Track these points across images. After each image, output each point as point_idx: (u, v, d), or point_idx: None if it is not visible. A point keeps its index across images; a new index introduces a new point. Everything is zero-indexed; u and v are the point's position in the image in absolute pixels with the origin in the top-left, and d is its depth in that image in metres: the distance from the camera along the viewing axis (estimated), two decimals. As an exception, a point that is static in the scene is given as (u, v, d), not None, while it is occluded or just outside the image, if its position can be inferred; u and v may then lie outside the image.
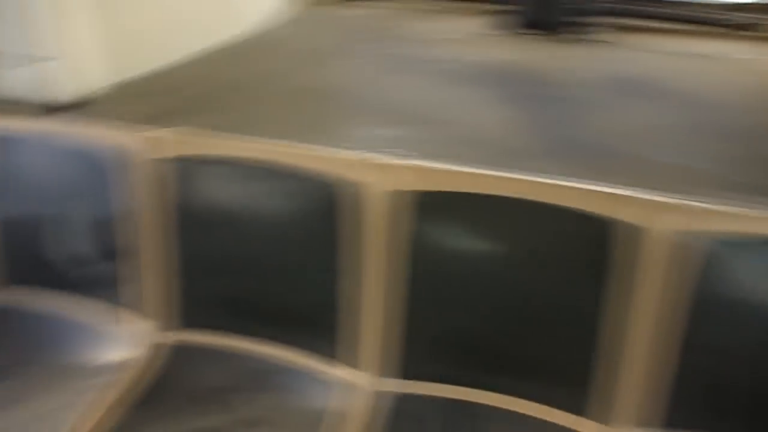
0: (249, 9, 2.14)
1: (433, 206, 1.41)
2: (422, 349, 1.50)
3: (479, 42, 2.20)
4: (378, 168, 1.43)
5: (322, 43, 2.14)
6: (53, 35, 1.72)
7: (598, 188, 1.30)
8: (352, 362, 1.55)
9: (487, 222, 1.40)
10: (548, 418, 1.42)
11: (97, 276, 1.71)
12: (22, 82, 1.77)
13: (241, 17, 2.14)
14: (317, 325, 1.57)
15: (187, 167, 1.57)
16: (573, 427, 1.40)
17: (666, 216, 1.24)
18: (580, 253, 1.33)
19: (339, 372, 1.56)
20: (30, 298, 1.80)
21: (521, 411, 1.41)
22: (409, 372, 1.52)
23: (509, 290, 1.40)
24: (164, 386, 1.59)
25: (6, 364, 1.66)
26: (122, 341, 1.68)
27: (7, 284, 1.83)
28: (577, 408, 1.41)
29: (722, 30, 2.76)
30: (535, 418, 1.41)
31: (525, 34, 2.30)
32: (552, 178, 1.33)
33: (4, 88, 1.79)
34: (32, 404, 1.55)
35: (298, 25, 2.26)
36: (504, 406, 1.41)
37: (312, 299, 1.55)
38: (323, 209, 1.48)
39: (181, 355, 1.64)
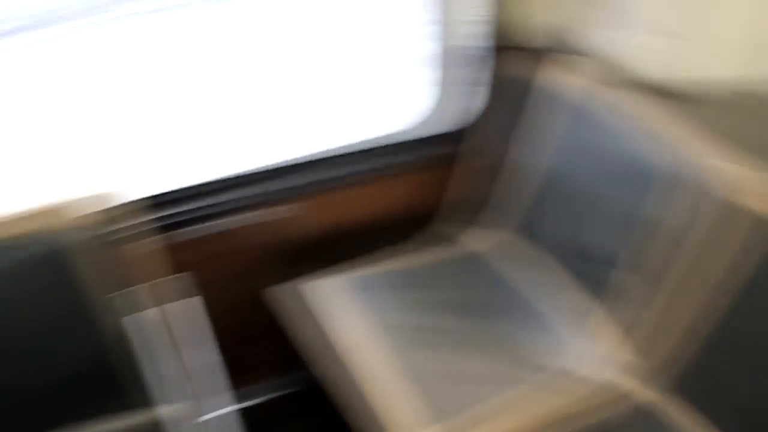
0: None
1: None
2: None
3: None
4: None
5: None
6: (695, 11, 1.48)
7: None
8: None
9: None
10: None
11: (603, 276, 1.52)
12: (629, 48, 1.60)
13: None
14: None
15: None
16: None
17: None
18: None
19: None
20: (529, 253, 1.75)
21: None
22: None
23: None
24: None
25: (475, 303, 1.66)
26: (583, 356, 1.48)
27: (516, 231, 1.80)
28: None
29: None
30: None
31: None
32: None
33: (611, 51, 1.64)
34: (477, 357, 1.50)
35: None
36: None
37: None
38: None
39: (639, 418, 1.37)
